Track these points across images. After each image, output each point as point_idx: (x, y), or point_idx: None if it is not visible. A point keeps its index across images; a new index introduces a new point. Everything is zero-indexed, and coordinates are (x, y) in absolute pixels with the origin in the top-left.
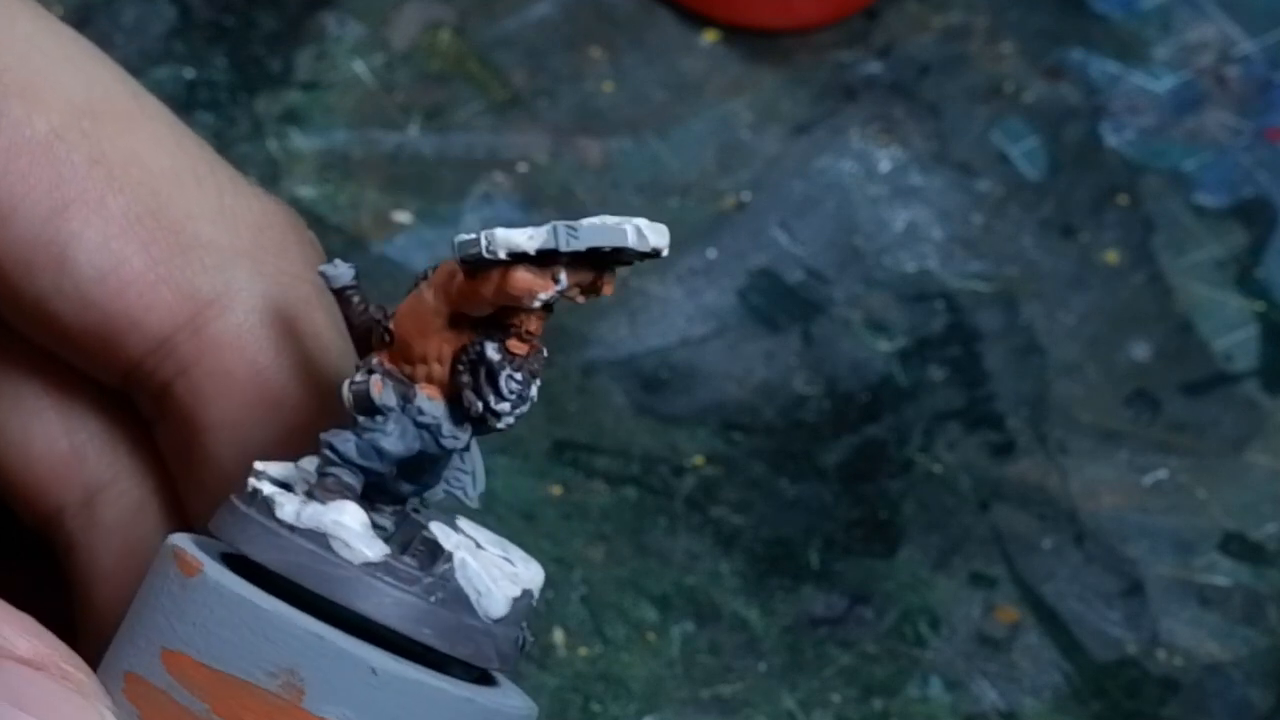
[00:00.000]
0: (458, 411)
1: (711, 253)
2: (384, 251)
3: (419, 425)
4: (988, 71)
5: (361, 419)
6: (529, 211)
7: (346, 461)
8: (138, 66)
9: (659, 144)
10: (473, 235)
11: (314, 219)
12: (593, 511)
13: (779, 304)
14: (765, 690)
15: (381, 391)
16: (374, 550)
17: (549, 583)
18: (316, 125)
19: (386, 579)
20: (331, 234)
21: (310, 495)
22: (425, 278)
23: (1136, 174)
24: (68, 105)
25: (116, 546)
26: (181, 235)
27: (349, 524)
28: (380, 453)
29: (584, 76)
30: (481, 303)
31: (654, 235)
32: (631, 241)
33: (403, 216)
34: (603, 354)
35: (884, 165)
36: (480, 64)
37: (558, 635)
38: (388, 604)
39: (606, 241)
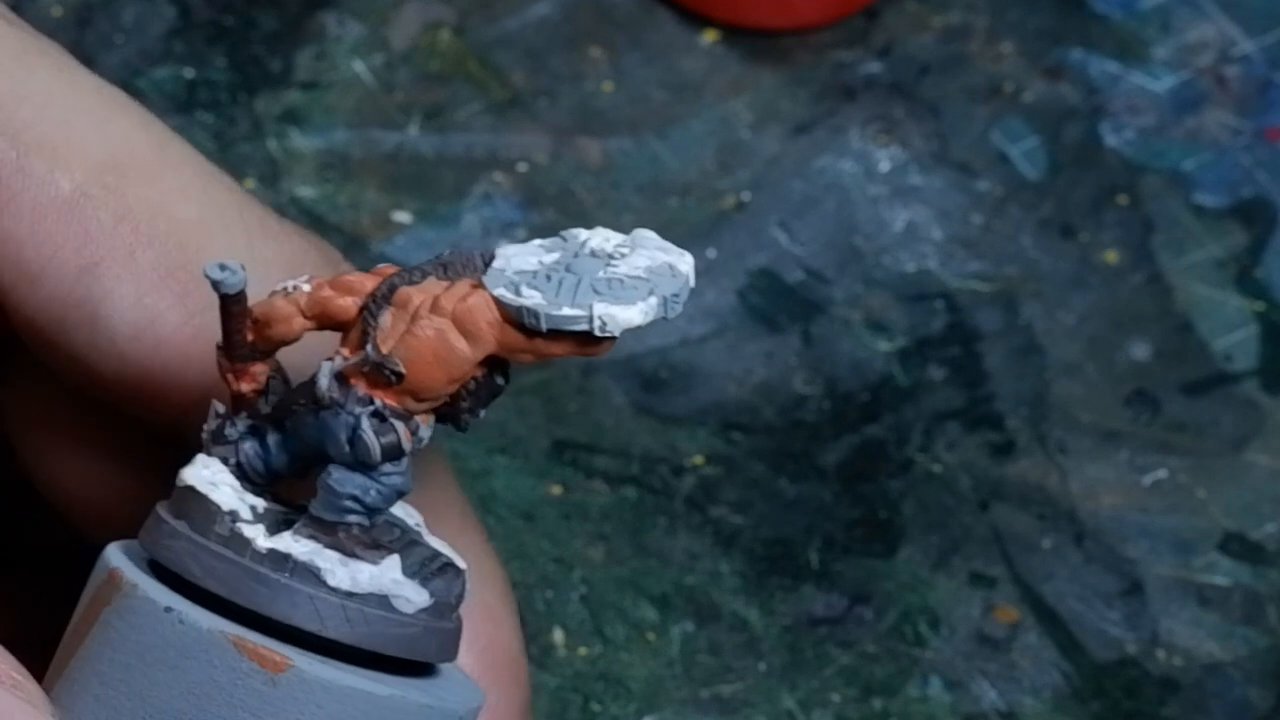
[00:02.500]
0: (440, 424)
1: (711, 253)
2: (384, 251)
3: (413, 451)
4: (988, 71)
5: (385, 465)
6: (529, 211)
7: (370, 510)
8: (138, 66)
9: (659, 144)
10: (573, 311)
11: (314, 219)
12: (593, 511)
13: (779, 304)
14: (765, 690)
15: (410, 440)
16: (423, 596)
17: (549, 583)
18: (316, 125)
19: (438, 623)
20: (331, 234)
21: (351, 552)
22: (388, 298)
23: (1136, 174)
24: (90, 161)
25: None
26: None
27: (402, 578)
28: (399, 494)
29: (584, 76)
30: (544, 357)
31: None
32: (693, 284)
33: (403, 216)
34: None
35: (884, 165)
36: (480, 64)
37: (558, 635)
38: (436, 644)
39: (686, 297)
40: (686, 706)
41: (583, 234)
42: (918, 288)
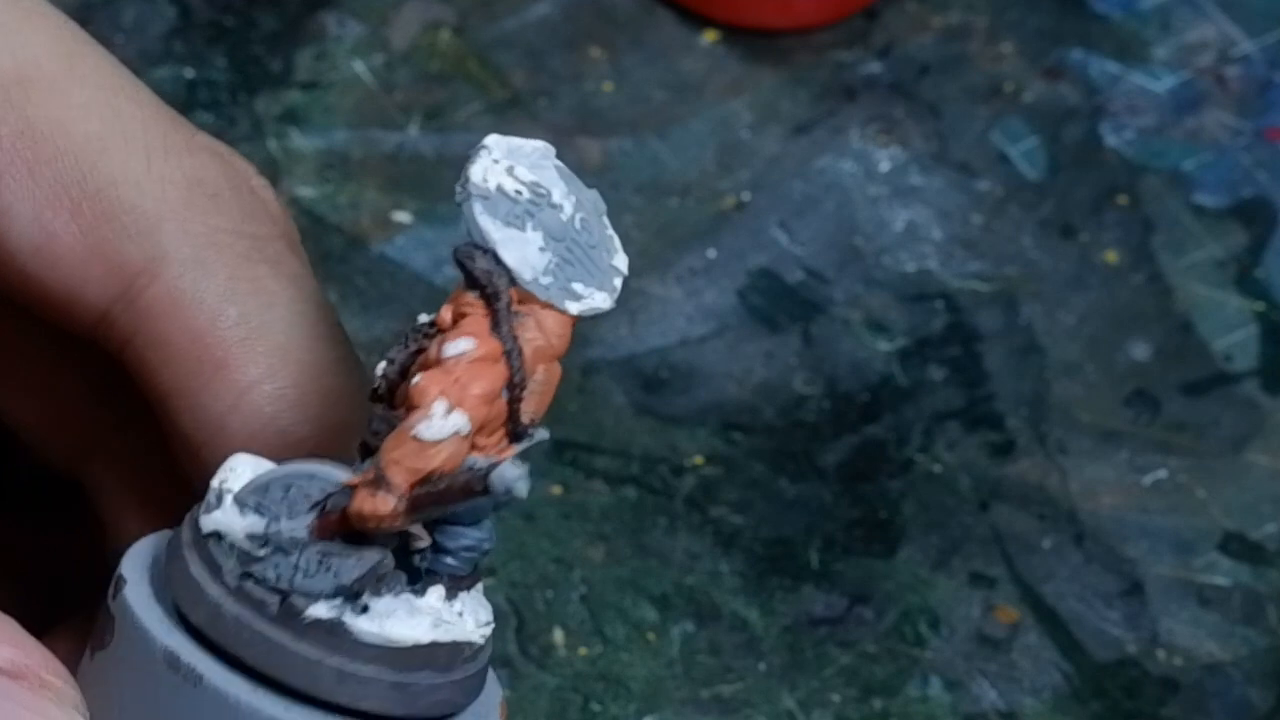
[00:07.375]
0: None
1: (711, 253)
2: (384, 251)
3: None
4: (988, 71)
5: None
6: None
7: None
8: (138, 67)
9: (659, 144)
10: (617, 285)
11: (314, 219)
12: (593, 511)
13: (779, 304)
14: (765, 690)
15: None
16: None
17: (549, 583)
18: (316, 125)
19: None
20: (331, 234)
21: (474, 589)
22: (526, 373)
23: (1136, 174)
24: None
25: (141, 482)
26: (106, 203)
27: None
28: None
29: (584, 76)
30: None
31: None
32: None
33: (403, 216)
34: (602, 354)
35: (884, 165)
36: (480, 64)
37: (558, 635)
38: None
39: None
40: (686, 706)
41: (486, 177)
42: (918, 288)
